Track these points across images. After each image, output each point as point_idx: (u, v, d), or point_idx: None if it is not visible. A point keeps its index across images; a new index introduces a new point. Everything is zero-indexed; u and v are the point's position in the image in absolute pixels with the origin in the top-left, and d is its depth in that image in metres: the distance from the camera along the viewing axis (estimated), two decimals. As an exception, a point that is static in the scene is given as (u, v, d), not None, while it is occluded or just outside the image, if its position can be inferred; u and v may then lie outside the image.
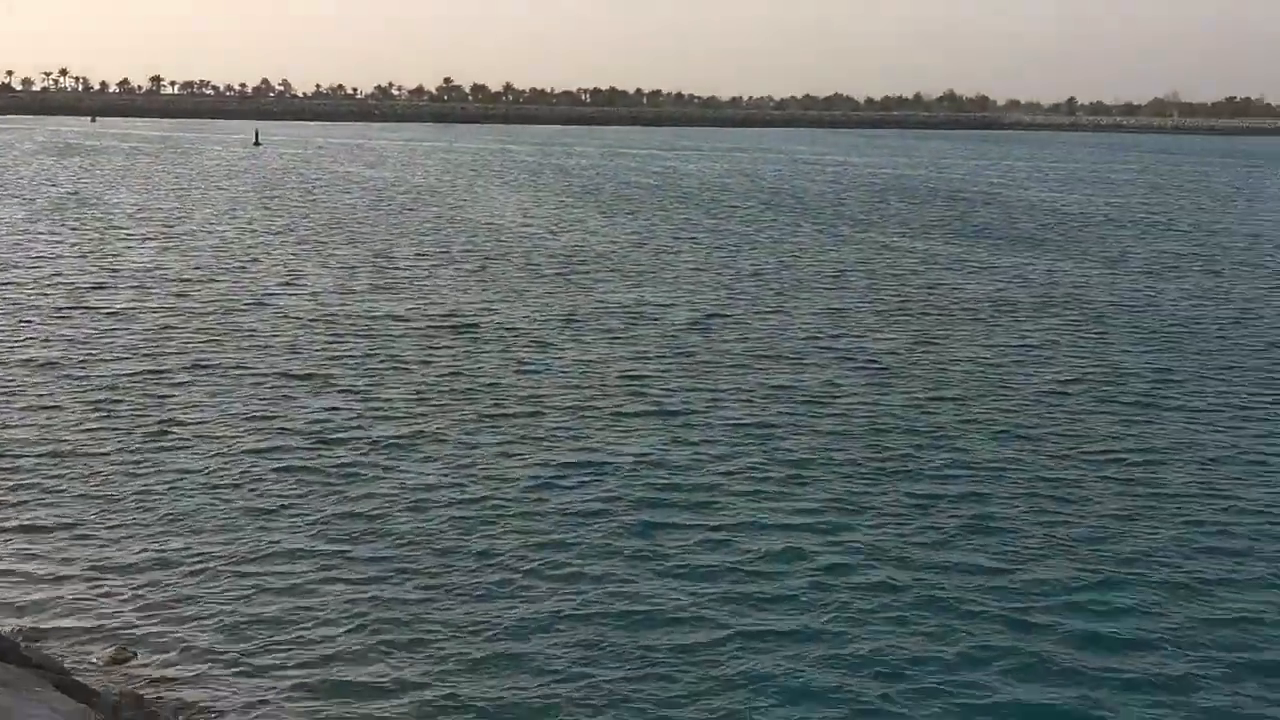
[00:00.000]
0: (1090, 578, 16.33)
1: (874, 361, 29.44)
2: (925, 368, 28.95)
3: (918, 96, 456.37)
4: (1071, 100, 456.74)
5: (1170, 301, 39.45)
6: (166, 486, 19.37)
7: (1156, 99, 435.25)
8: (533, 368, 28.17)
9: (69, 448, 21.20)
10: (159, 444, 21.60)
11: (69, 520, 17.86)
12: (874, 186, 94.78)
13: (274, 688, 13.13)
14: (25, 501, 18.59)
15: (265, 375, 26.77)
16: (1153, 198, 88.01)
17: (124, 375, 26.47)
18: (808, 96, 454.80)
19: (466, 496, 19.13)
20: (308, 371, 27.19)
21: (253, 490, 19.31)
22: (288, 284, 39.57)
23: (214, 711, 12.63)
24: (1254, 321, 35.91)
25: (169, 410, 23.78)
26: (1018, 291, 41.08)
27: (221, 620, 14.68)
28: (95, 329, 31.38)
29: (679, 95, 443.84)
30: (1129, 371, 28.80)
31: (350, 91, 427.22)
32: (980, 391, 26.56)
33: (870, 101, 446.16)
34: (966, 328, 34.23)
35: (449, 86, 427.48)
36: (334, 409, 24.05)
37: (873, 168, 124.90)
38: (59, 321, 32.32)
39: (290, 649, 14.01)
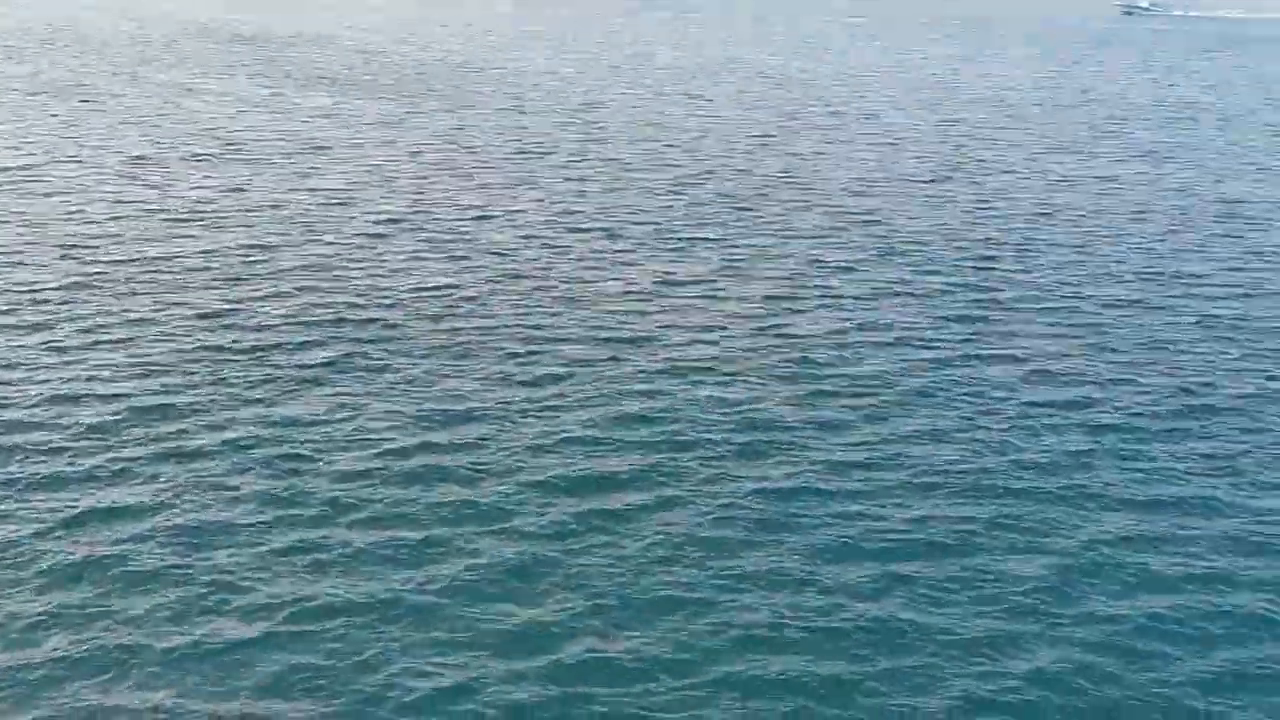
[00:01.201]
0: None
1: (192, 210, 29.23)
2: (240, 214, 29.18)
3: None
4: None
5: (470, 136, 41.84)
6: None
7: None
8: None
9: None
10: None
11: None
12: (179, 27, 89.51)
13: None
14: None
15: None
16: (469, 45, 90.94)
17: None
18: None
19: None
20: None
21: None
22: None
23: None
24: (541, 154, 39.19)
25: None
26: (331, 132, 41.44)
27: None
28: None
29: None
30: (441, 209, 30.76)
31: None
32: (294, 240, 27.17)
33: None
34: (275, 171, 34.39)
35: None
36: None
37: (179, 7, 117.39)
38: None
39: None
